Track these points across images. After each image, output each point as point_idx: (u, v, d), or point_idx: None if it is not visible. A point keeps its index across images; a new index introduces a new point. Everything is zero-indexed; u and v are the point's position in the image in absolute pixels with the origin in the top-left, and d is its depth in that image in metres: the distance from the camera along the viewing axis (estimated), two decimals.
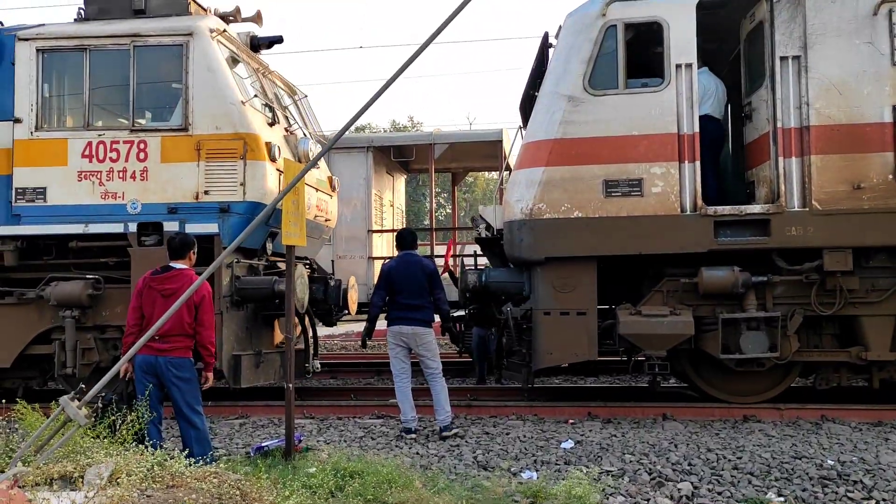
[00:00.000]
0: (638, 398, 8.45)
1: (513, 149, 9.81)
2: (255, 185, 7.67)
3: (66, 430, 3.85)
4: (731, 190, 8.16)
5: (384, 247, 13.71)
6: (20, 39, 8.04)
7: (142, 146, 7.81)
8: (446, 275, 9.87)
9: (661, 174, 7.20)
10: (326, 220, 9.68)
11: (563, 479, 5.02)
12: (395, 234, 14.42)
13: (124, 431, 4.72)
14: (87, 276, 7.84)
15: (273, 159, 7.83)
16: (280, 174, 8.07)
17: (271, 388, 9.62)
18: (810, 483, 5.11)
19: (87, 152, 7.86)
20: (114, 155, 7.84)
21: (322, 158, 8.90)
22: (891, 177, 6.89)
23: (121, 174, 7.82)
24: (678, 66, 7.26)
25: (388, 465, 5.05)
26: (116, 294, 7.84)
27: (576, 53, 7.39)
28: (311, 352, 8.84)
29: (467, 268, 8.40)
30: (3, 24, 8.49)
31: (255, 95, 8.28)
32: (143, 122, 8.03)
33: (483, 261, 9.44)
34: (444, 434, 6.69)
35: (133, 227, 7.73)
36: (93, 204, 7.83)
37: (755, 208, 7.17)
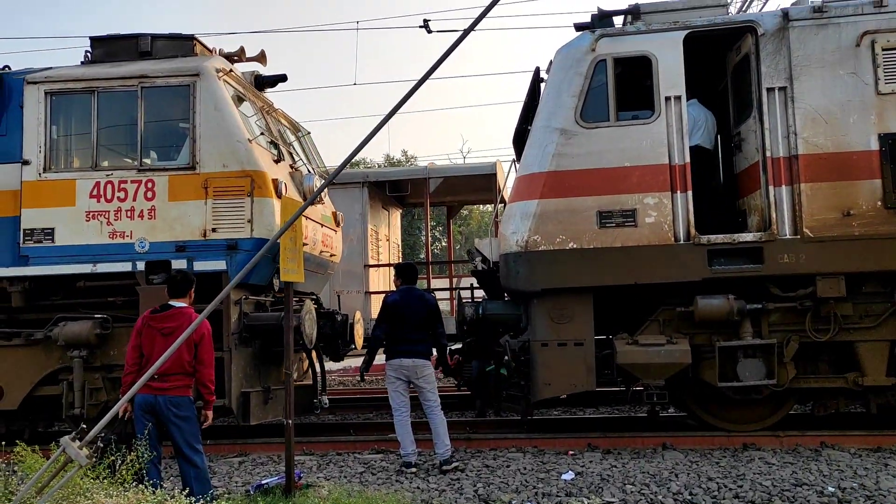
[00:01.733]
0: (637, 428, 8.43)
1: (507, 182, 9.92)
2: (262, 222, 7.72)
3: (67, 470, 3.84)
4: (723, 218, 8.25)
5: (381, 281, 13.76)
6: (29, 83, 8.16)
7: (150, 185, 7.88)
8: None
9: (654, 204, 7.29)
10: (331, 256, 9.74)
11: None
12: (391, 268, 14.50)
13: (124, 471, 4.71)
14: (96, 316, 7.84)
15: (280, 196, 7.90)
16: None
17: (269, 425, 9.58)
18: None
19: (95, 192, 7.92)
20: (122, 194, 7.90)
21: (326, 194, 9.01)
22: (880, 203, 6.99)
23: (129, 213, 7.87)
24: (667, 99, 7.39)
25: (389, 500, 5.05)
26: (125, 333, 7.80)
27: (567, 88, 7.53)
28: (320, 388, 8.82)
29: (464, 300, 8.43)
30: (10, 69, 8.61)
31: (262, 133, 8.38)
32: (150, 161, 8.11)
33: (480, 293, 9.47)
34: (445, 468, 6.66)
35: (141, 266, 7.76)
36: (101, 244, 7.86)
37: (748, 236, 7.26)
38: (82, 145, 8.23)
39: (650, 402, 7.30)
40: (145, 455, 4.97)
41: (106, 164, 8.19)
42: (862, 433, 7.26)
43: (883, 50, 7.09)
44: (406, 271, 7.24)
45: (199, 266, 7.55)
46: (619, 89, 7.48)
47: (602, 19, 7.87)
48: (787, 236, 7.12)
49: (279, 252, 7.63)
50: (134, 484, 4.59)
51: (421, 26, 14.29)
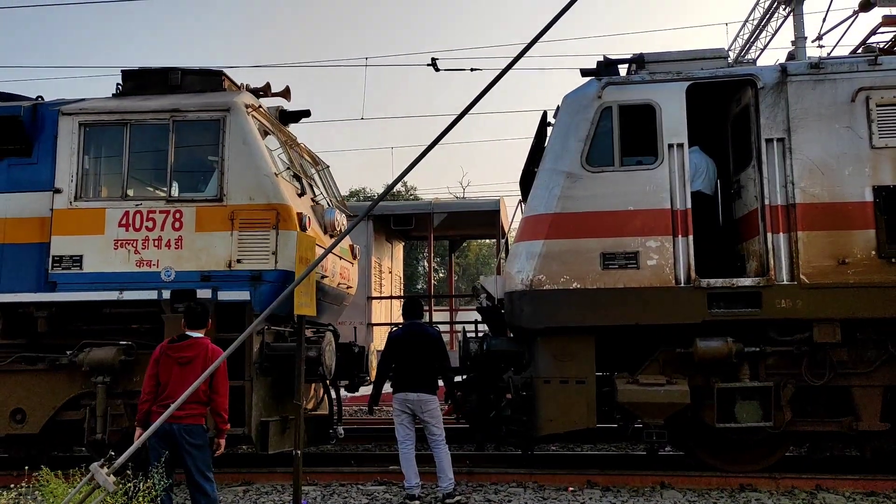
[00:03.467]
0: (636, 466, 8.53)
1: (513, 221, 10.12)
2: (286, 255, 7.87)
3: (93, 497, 3.97)
4: (723, 263, 8.45)
5: (383, 313, 13.89)
6: (63, 114, 8.38)
7: (177, 216, 8.05)
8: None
9: (656, 247, 7.49)
10: (348, 288, 9.90)
11: None
12: (392, 300, 14.66)
13: (141, 498, 4.82)
14: (120, 343, 7.98)
15: (303, 229, 8.08)
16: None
17: (273, 454, 9.65)
18: None
19: (123, 221, 8.09)
20: (150, 224, 8.07)
21: (340, 226, 9.22)
22: (873, 253, 7.20)
23: (156, 242, 8.02)
24: (670, 146, 7.64)
25: None
26: (148, 360, 7.90)
27: (574, 132, 7.78)
28: (336, 418, 8.93)
29: (468, 335, 8.58)
30: (43, 99, 8.85)
31: (287, 167, 8.57)
32: (178, 192, 8.29)
33: (483, 327, 9.62)
34: (447, 501, 6.77)
35: (167, 295, 7.90)
36: (128, 272, 8.00)
37: (746, 281, 7.45)
38: (113, 175, 8.42)
39: (649, 440, 7.41)
40: (160, 483, 5.09)
41: (136, 193, 8.39)
42: (856, 477, 7.37)
43: (877, 106, 7.37)
44: (411, 307, 7.41)
45: (224, 296, 7.71)
46: (624, 135, 7.73)
47: (608, 67, 8.16)
48: (785, 282, 7.32)
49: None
50: None
51: (429, 64, 14.62)
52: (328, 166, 10.35)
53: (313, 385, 9.24)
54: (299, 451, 6.05)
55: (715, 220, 8.68)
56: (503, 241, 13.13)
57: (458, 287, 37.37)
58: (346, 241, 10.01)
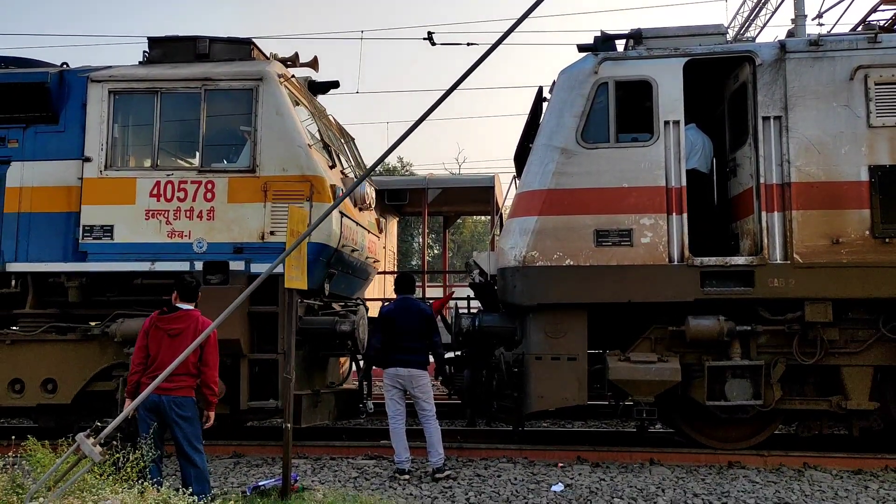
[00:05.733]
0: (626, 443, 8.59)
1: (506, 197, 10.09)
2: (320, 227, 7.83)
3: (79, 467, 3.97)
4: (716, 241, 8.44)
5: (377, 289, 13.87)
6: (93, 81, 8.27)
7: (209, 186, 7.99)
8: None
9: (650, 225, 7.47)
10: (375, 262, 9.89)
11: None
12: (385, 276, 14.63)
13: (129, 469, 4.82)
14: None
15: None
16: (343, 217, 8.27)
17: (261, 427, 9.68)
18: None
19: (155, 191, 8.03)
20: (181, 194, 8.01)
21: (370, 199, 9.19)
22: (867, 233, 7.20)
23: (188, 213, 7.98)
24: (666, 123, 7.59)
25: None
26: None
27: (569, 108, 7.71)
28: (365, 392, 8.96)
29: (461, 311, 8.58)
30: (68, 66, 8.71)
31: (321, 139, 8.47)
32: (210, 162, 8.22)
33: (475, 304, 9.62)
34: (437, 475, 6.80)
35: (199, 266, 7.85)
36: (159, 242, 7.96)
37: (739, 260, 7.45)
38: (143, 144, 8.35)
39: (639, 417, 7.45)
40: (149, 454, 5.09)
41: (167, 163, 8.31)
42: (844, 455, 7.44)
43: (875, 84, 7.31)
44: (403, 282, 7.39)
45: (256, 268, 7.68)
46: (620, 112, 7.67)
47: (605, 42, 8.07)
48: (778, 261, 7.32)
49: (332, 257, 7.60)
50: (138, 482, 4.71)
51: (425, 38, 14.47)
52: (353, 138, 10.26)
53: (340, 359, 9.27)
54: (289, 425, 6.05)
55: (710, 199, 8.64)
56: (497, 217, 13.10)
57: (453, 264, 37.37)
58: (373, 215, 9.96)
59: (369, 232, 9.46)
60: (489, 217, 17.14)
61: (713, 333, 7.32)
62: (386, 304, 7.83)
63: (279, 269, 7.59)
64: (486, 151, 67.28)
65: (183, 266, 7.87)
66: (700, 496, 6.10)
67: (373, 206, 9.78)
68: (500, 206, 13.29)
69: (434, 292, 16.27)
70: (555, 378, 7.54)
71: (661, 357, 7.44)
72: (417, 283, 14.65)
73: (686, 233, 7.45)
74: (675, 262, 7.42)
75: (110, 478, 4.73)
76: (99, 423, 4.34)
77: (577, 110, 7.68)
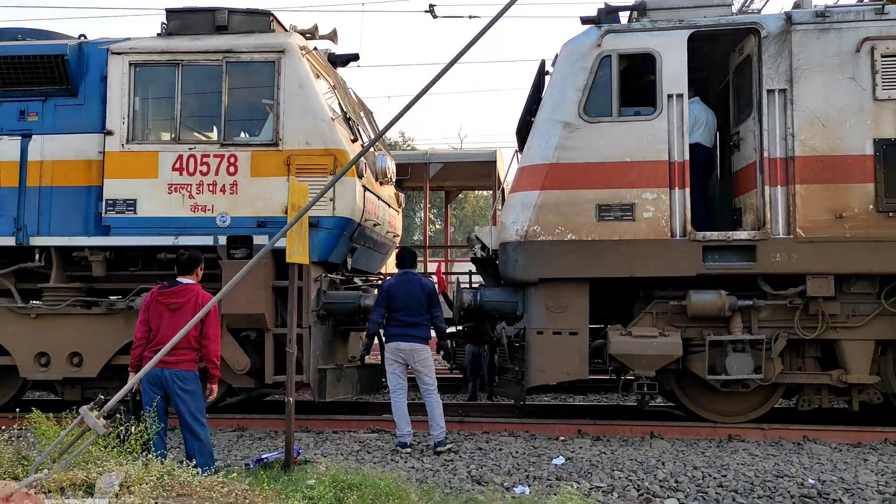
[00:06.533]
0: (626, 416, 8.64)
1: (508, 172, 10.05)
2: (344, 201, 7.84)
3: (84, 439, 4.00)
4: (718, 216, 8.42)
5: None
6: (113, 53, 8.21)
7: (232, 160, 7.97)
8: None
9: (653, 200, 7.44)
10: (394, 237, 9.90)
11: (555, 494, 5.20)
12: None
13: (133, 442, 4.86)
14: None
15: (360, 176, 7.98)
16: (366, 191, 8.24)
17: (267, 402, 9.75)
18: (791, 501, 5.33)
19: (177, 165, 8.02)
20: (204, 168, 7.99)
21: (391, 173, 9.18)
22: (871, 207, 7.17)
23: (210, 187, 7.97)
24: (670, 97, 7.52)
25: (385, 479, 5.20)
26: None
27: (572, 81, 7.65)
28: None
29: (462, 286, 8.59)
30: (86, 37, 8.64)
31: (343, 112, 8.41)
32: (233, 136, 8.19)
33: (476, 278, 9.65)
34: (439, 449, 6.85)
35: (223, 241, 7.87)
36: (182, 216, 7.97)
37: (742, 235, 7.43)
38: (165, 118, 8.32)
39: (640, 391, 7.49)
40: (153, 426, 5.13)
41: (189, 137, 8.29)
42: (843, 428, 7.49)
43: (882, 56, 7.23)
44: (404, 257, 7.39)
45: (281, 243, 7.65)
46: (623, 85, 7.61)
47: (608, 14, 7.97)
48: (781, 236, 7.30)
49: (356, 230, 7.70)
50: (143, 454, 4.75)
51: (426, 11, 14.32)
52: (371, 112, 10.19)
53: (362, 334, 9.33)
54: (292, 398, 6.08)
55: (712, 173, 8.61)
56: (499, 191, 13.06)
57: (454, 239, 37.35)
58: (392, 189, 9.94)
59: (389, 206, 9.42)
60: (491, 192, 17.08)
61: (715, 308, 7.33)
62: (388, 278, 7.85)
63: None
64: (488, 126, 66.94)
65: (206, 240, 7.88)
66: (700, 469, 6.15)
67: (394, 180, 9.71)
68: (502, 180, 13.24)
69: (436, 268, 16.28)
70: (556, 352, 7.57)
71: (663, 331, 7.46)
72: (419, 259, 14.67)
73: (688, 207, 7.43)
74: (678, 237, 7.40)
75: (114, 450, 4.78)
76: (103, 397, 4.35)
77: (579, 84, 7.61)
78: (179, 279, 5.76)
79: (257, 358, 8.15)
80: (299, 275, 7.76)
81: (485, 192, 36.38)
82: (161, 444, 5.45)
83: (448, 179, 15.18)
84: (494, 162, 13.39)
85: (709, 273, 7.38)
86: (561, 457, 6.57)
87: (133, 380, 4.38)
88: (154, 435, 5.19)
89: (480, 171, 14.09)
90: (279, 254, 7.58)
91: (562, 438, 7.46)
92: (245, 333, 8.09)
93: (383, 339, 8.62)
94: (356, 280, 8.91)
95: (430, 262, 15.58)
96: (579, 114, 7.58)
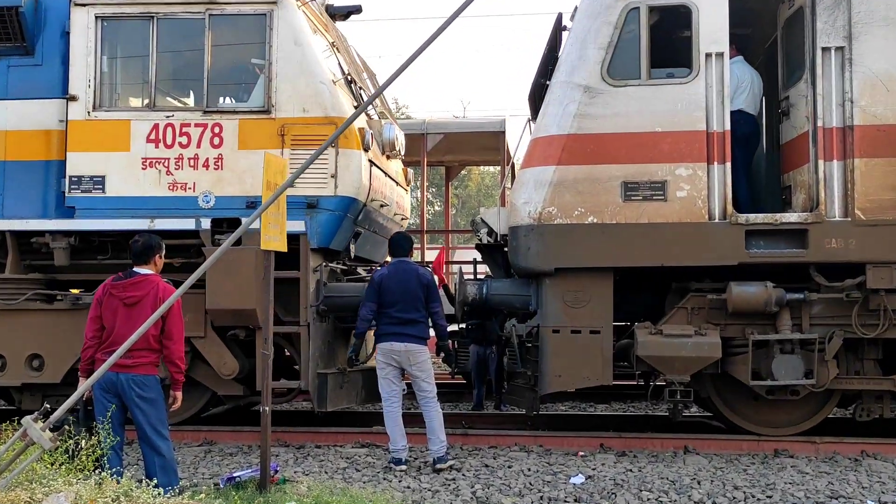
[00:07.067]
0: (656, 428, 8.71)
1: (519, 144, 10.07)
2: (347, 178, 7.83)
3: (27, 455, 4.06)
4: (765, 196, 8.44)
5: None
6: (76, 5, 8.12)
7: (216, 130, 7.94)
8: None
9: (688, 176, 7.47)
10: (403, 219, 9.93)
11: None
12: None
13: (84, 458, 4.91)
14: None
15: (366, 148, 7.96)
16: (372, 166, 8.21)
17: (233, 410, 9.80)
18: None
19: (152, 136, 7.98)
20: (184, 140, 7.96)
21: (400, 145, 9.14)
22: None
23: (191, 162, 7.94)
24: (708, 56, 7.52)
25: (376, 501, 5.27)
26: (186, 300, 7.80)
27: (593, 38, 7.65)
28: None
29: (465, 277, 8.64)
30: None
31: (345, 74, 8.40)
32: (217, 102, 8.17)
33: (482, 268, 9.68)
34: (439, 466, 6.90)
35: (207, 224, 7.85)
36: (159, 196, 7.96)
37: (791, 217, 7.46)
38: (138, 81, 8.28)
39: (672, 399, 7.55)
40: (107, 440, 5.18)
41: (166, 103, 8.27)
42: None
43: None
44: (398, 243, 7.42)
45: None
46: (653, 42, 7.61)
47: None
48: (837, 218, 7.32)
49: (360, 213, 7.73)
50: (96, 472, 4.80)
51: None
52: (375, 74, 10.15)
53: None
54: (268, 408, 6.14)
55: (757, 145, 8.62)
56: (508, 167, 13.08)
57: (456, 222, 37.34)
58: (400, 164, 9.92)
59: (397, 184, 9.44)
60: (499, 167, 17.10)
61: (760, 302, 7.37)
62: (379, 267, 7.88)
63: (298, 229, 7.63)
64: (495, 91, 66.73)
65: (187, 224, 7.89)
66: (741, 488, 6.21)
67: (402, 153, 9.67)
68: (512, 154, 13.26)
69: (435, 256, 16.34)
70: (575, 354, 7.61)
71: (699, 330, 7.49)
72: (416, 245, 14.72)
73: (729, 185, 7.44)
74: (716, 220, 7.43)
75: (63, 467, 4.83)
76: (49, 406, 4.41)
77: (602, 41, 7.61)
78: (136, 269, 5.78)
79: (247, 361, 8.18)
80: (299, 265, 7.84)
81: (492, 168, 36.37)
82: (117, 460, 5.49)
83: (449, 153, 15.18)
84: (503, 132, 13.39)
85: (752, 262, 7.41)
86: (580, 475, 6.62)
87: (83, 386, 4.43)
88: (108, 450, 5.23)
89: (486, 142, 14.10)
90: None
91: (581, 454, 7.51)
92: (233, 333, 8.08)
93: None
94: (360, 270, 8.92)
95: (427, 249, 15.62)
96: (602, 76, 7.58)
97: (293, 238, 7.66)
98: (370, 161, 8.23)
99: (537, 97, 8.57)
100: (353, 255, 8.64)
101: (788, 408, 7.87)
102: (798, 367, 7.38)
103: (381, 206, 8.75)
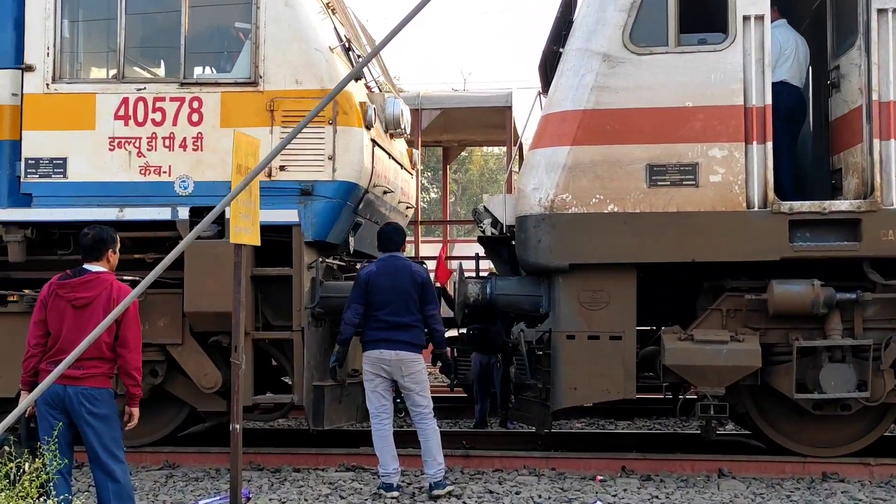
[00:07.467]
0: (686, 449, 8.68)
1: (528, 121, 10.00)
2: (347, 160, 7.78)
3: None
4: (811, 180, 8.39)
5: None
6: None
7: (195, 105, 7.89)
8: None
9: (723, 158, 7.43)
10: (408, 207, 9.93)
11: None
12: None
13: (27, 483, 4.85)
14: (123, 278, 7.93)
15: (369, 126, 7.94)
16: (374, 146, 8.18)
17: (200, 431, 9.76)
18: None
19: (121, 112, 7.93)
20: (157, 116, 7.91)
21: (406, 123, 9.09)
22: None
23: (166, 142, 7.90)
24: (746, 19, 7.48)
25: None
26: (160, 301, 7.85)
27: None
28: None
29: (466, 275, 8.58)
30: None
31: (343, 41, 8.38)
32: (196, 73, 8.13)
33: (486, 264, 9.65)
34: (436, 492, 6.88)
35: (184, 213, 7.81)
36: (129, 181, 7.93)
37: (842, 205, 7.42)
38: (104, 48, 8.25)
39: (705, 415, 7.50)
40: (53, 463, 5.11)
41: (137, 74, 8.24)
42: None
43: None
44: (388, 236, 7.37)
45: (264, 216, 7.59)
46: (683, 3, 7.56)
47: None
48: (895, 206, 7.28)
49: (360, 201, 7.80)
50: (40, 499, 4.74)
51: None
52: (374, 39, 10.11)
53: None
54: (239, 425, 6.08)
55: (803, 122, 8.58)
56: (516, 147, 13.03)
57: (456, 211, 37.36)
58: (404, 144, 9.87)
59: (402, 167, 9.42)
60: (504, 148, 17.05)
61: (806, 303, 7.33)
62: (366, 264, 7.82)
63: (291, 219, 7.62)
64: (500, 61, 66.79)
65: (162, 213, 7.85)
66: None
67: (408, 131, 9.65)
68: (520, 133, 13.21)
69: (432, 249, 16.30)
70: (593, 363, 7.59)
71: (735, 335, 7.46)
72: (409, 238, 14.67)
73: (770, 168, 7.42)
74: (756, 208, 7.40)
75: (3, 495, 4.77)
76: None
77: (624, 2, 7.58)
78: (86, 266, 5.72)
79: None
80: (291, 261, 7.79)
81: (496, 150, 36.36)
82: (64, 485, 5.45)
83: (447, 131, 15.15)
84: (509, 107, 13.36)
85: (797, 256, 7.37)
86: (599, 502, 6.58)
87: (26, 401, 4.35)
88: (55, 474, 5.19)
89: (490, 119, 14.06)
90: (260, 230, 7.59)
91: (600, 478, 7.49)
92: (215, 339, 8.01)
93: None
94: (359, 266, 8.86)
95: (422, 242, 15.59)
96: (624, 42, 7.54)
97: (285, 229, 7.68)
98: (373, 140, 8.19)
99: (549, 68, 8.52)
100: (352, 249, 8.62)
101: (838, 425, 7.85)
102: (850, 378, 7.35)
103: (385, 192, 8.73)
